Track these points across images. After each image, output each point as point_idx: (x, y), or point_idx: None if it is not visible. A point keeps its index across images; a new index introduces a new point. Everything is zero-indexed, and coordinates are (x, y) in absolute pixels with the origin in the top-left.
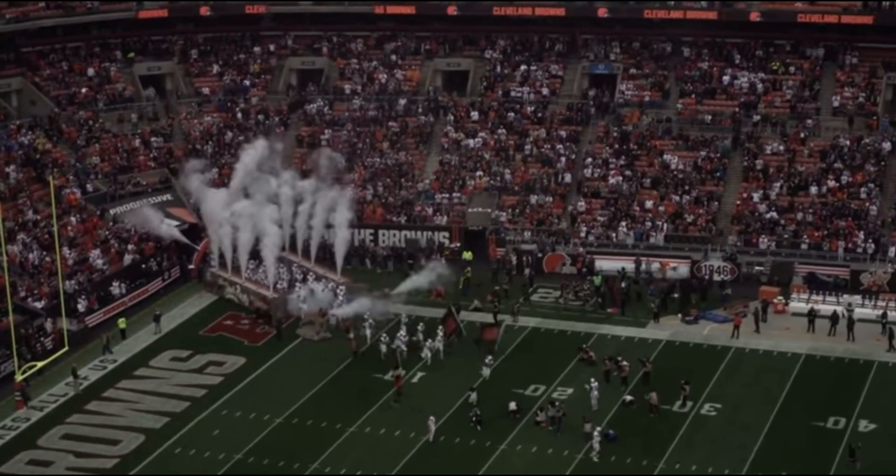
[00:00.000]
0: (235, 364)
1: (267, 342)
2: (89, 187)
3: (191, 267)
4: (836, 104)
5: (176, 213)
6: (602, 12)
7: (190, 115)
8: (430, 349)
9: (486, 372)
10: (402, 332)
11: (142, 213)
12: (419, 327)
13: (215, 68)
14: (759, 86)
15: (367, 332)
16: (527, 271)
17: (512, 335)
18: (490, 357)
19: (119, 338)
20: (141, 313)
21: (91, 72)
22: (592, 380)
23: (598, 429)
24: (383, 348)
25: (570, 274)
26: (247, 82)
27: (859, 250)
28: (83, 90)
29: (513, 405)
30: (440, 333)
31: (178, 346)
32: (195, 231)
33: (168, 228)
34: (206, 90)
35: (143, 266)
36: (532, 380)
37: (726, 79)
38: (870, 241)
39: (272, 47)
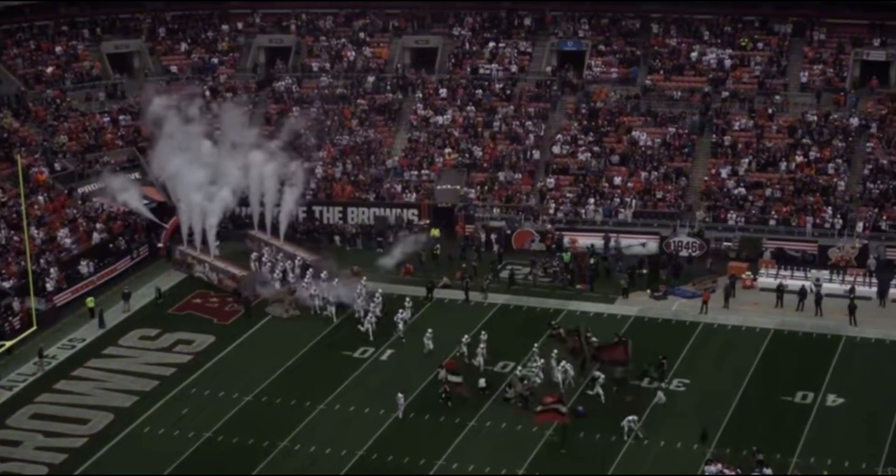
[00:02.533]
0: (204, 342)
1: (236, 320)
2: (57, 166)
3: (159, 245)
4: (803, 80)
5: (145, 191)
6: None
7: (158, 93)
8: (564, 378)
9: (429, 344)
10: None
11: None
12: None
13: (183, 46)
14: (728, 62)
15: (331, 310)
16: (496, 248)
17: (481, 312)
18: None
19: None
20: (109, 292)
21: (59, 50)
22: (565, 362)
23: (633, 418)
24: (510, 392)
25: (539, 250)
26: (215, 60)
27: (827, 225)
28: (50, 69)
29: (482, 382)
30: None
31: (146, 324)
32: (164, 209)
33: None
34: (174, 68)
35: (112, 245)
36: (501, 356)
37: (695, 55)
38: (837, 216)
39: (240, 25)
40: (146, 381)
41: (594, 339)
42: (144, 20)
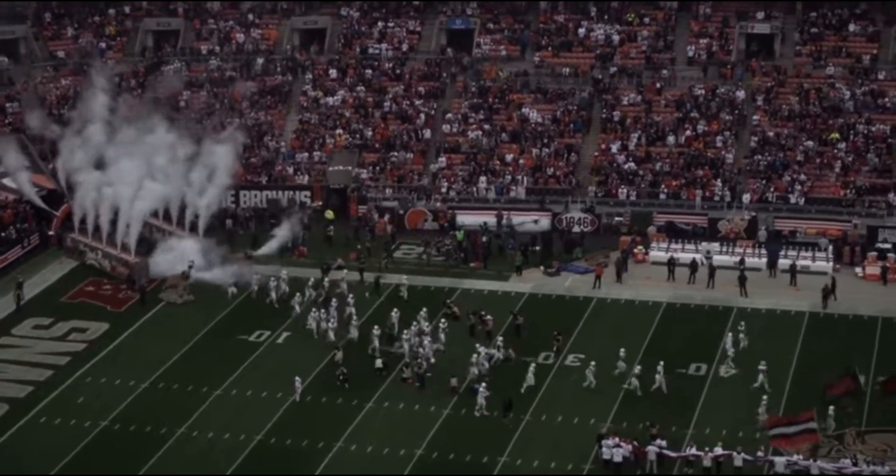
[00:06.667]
0: (98, 330)
1: (130, 307)
2: None
3: (50, 233)
4: (690, 54)
5: (35, 179)
6: None
7: (45, 79)
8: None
9: (353, 332)
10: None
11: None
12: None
13: (70, 31)
14: (615, 37)
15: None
16: (389, 228)
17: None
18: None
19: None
20: (1, 282)
21: None
22: (479, 345)
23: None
24: (407, 372)
25: (433, 230)
26: (102, 45)
27: (716, 198)
28: None
29: (379, 363)
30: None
31: (39, 313)
32: (54, 197)
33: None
34: (61, 53)
35: (2, 234)
36: (398, 337)
37: (582, 31)
38: (726, 188)
39: (127, 9)
40: (41, 370)
41: (489, 317)
42: (30, 5)
